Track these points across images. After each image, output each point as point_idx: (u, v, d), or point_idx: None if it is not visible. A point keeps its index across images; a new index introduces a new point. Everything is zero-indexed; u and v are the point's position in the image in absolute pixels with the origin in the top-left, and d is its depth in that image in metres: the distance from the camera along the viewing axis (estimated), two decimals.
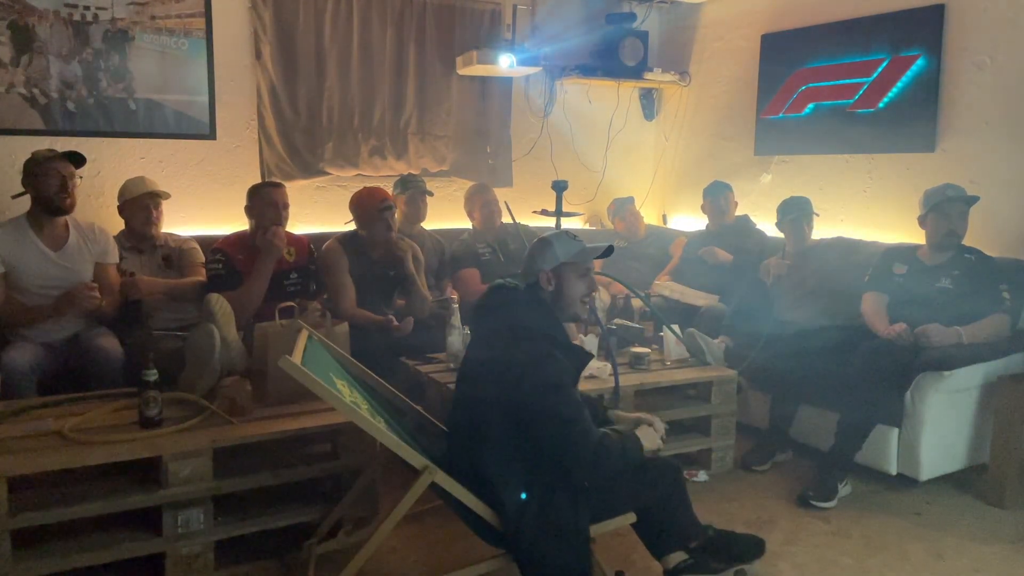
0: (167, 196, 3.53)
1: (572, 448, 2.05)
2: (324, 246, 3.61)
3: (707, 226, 4.49)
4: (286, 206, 3.44)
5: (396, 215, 3.70)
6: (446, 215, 4.54)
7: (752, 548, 2.48)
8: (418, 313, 3.55)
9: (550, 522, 2.06)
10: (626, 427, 2.28)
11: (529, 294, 2.22)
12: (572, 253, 2.21)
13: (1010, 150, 3.55)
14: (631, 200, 5.04)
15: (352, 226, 3.67)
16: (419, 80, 4.53)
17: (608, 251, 2.25)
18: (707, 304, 4.03)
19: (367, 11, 4.33)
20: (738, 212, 4.45)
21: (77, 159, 3.14)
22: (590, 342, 3.23)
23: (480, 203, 4.35)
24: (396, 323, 3.37)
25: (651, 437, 2.22)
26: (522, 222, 3.97)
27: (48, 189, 3.04)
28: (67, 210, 3.11)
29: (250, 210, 3.43)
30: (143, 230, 3.44)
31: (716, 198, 4.37)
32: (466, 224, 4.48)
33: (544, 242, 2.24)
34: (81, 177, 3.18)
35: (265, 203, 3.39)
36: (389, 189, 3.95)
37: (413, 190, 4.08)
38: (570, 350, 2.23)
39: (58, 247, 3.11)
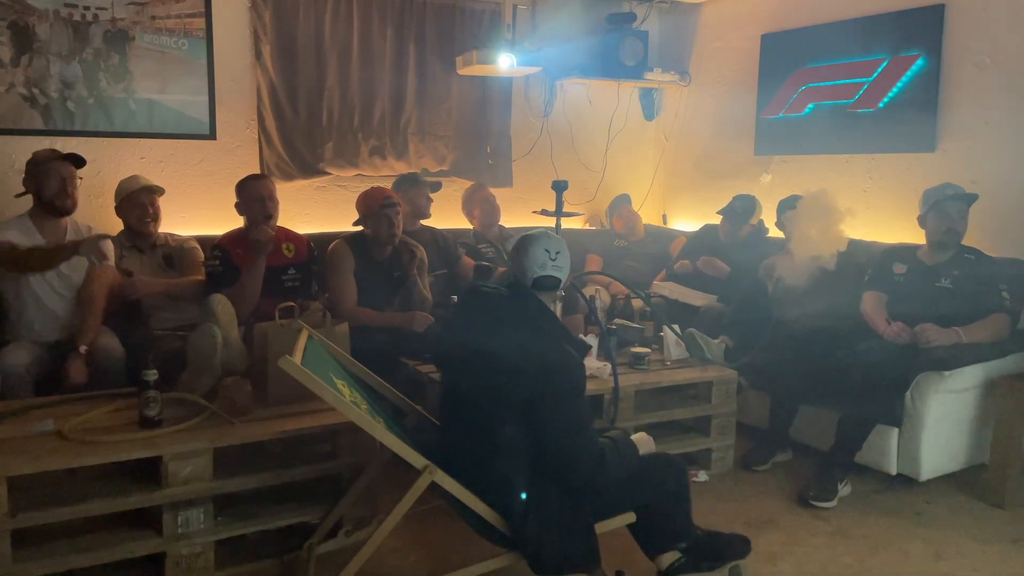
0: (161, 192, 3.53)
1: (576, 454, 2.08)
2: (331, 245, 3.60)
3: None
4: (271, 196, 3.39)
5: (401, 213, 3.69)
6: (446, 215, 4.52)
7: (739, 547, 2.44)
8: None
9: (553, 515, 2.08)
10: (618, 433, 2.31)
11: (531, 296, 2.23)
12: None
13: (1010, 150, 3.55)
14: (627, 197, 5.03)
15: (356, 227, 3.66)
16: (419, 80, 4.53)
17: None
18: (707, 304, 4.02)
19: (367, 11, 4.32)
20: None
21: (78, 161, 3.15)
22: (590, 342, 3.22)
23: (479, 200, 4.36)
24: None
25: (647, 442, 2.27)
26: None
27: (49, 190, 3.07)
28: (68, 211, 3.12)
29: (239, 206, 3.43)
30: (141, 227, 3.44)
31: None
32: (466, 224, 4.48)
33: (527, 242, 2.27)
34: (81, 179, 3.19)
35: (251, 197, 3.37)
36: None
37: (419, 185, 4.09)
38: (576, 344, 2.27)
39: None
